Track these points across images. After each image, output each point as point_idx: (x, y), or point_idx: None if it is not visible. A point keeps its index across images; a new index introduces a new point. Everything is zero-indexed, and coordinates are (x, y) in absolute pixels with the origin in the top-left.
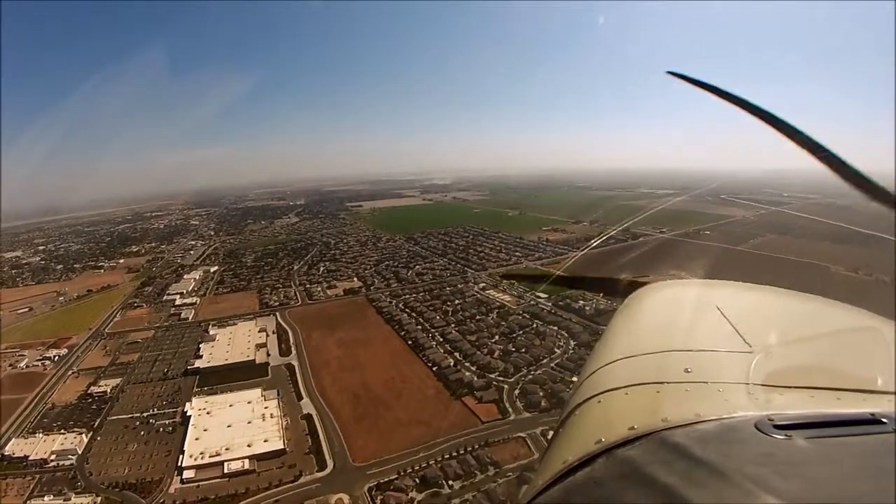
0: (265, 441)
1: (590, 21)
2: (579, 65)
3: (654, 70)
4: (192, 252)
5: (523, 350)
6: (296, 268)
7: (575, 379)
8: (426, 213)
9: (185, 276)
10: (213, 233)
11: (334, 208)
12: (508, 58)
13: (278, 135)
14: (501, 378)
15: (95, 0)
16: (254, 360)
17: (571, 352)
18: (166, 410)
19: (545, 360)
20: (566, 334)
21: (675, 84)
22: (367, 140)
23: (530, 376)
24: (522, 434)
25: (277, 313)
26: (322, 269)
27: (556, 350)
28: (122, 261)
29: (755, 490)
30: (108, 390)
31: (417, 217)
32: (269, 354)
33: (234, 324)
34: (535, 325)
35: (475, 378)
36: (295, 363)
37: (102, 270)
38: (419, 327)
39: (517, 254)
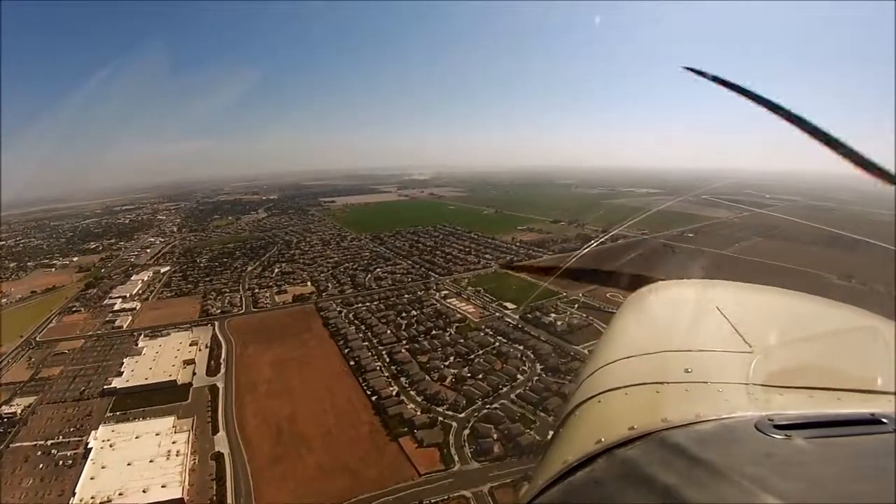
0: (163, 487)
1: (577, 19)
2: (567, 63)
3: (641, 69)
4: (148, 250)
5: (480, 376)
6: (249, 269)
7: (540, 415)
8: (399, 211)
9: (132, 278)
10: (176, 229)
11: (306, 204)
12: (497, 56)
13: (264, 129)
14: (450, 413)
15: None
16: (175, 380)
17: (536, 379)
18: (71, 439)
19: (504, 390)
20: (532, 356)
21: (663, 84)
22: (352, 135)
23: (485, 411)
24: (467, 493)
25: (217, 322)
26: (277, 271)
27: (518, 376)
28: (76, 259)
29: (755, 490)
30: (20, 411)
31: (389, 214)
32: (194, 373)
33: (168, 334)
34: (497, 344)
35: (418, 413)
36: (220, 385)
37: (54, 269)
38: (366, 344)
39: (487, 256)
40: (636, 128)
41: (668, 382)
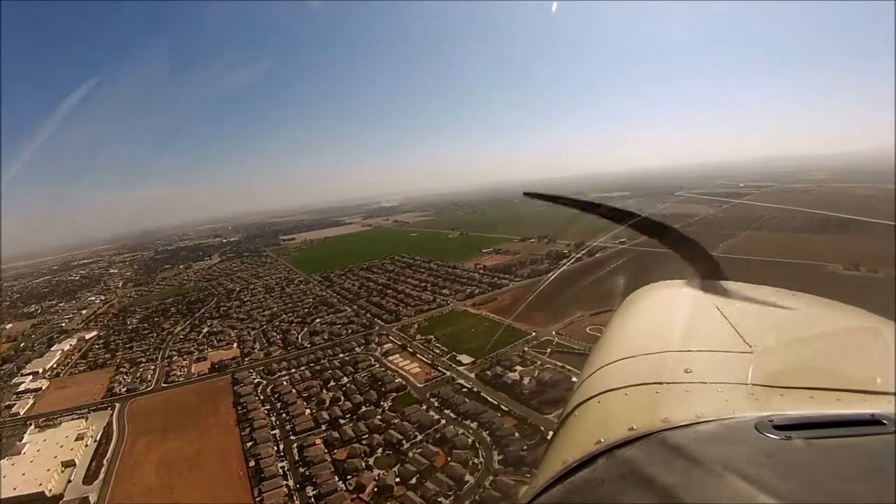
0: None
1: (547, 24)
2: (532, 75)
3: (611, 73)
4: (84, 311)
5: (412, 480)
6: (176, 330)
7: None
8: (358, 244)
9: (53, 348)
10: (121, 284)
11: (265, 243)
12: (465, 71)
13: (240, 169)
14: None
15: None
16: (44, 492)
17: (490, 481)
18: None
19: None
20: (488, 438)
21: (637, 86)
22: (325, 168)
23: None
24: None
25: (118, 405)
26: (206, 330)
27: (466, 477)
28: (9, 325)
29: (755, 491)
30: None
31: (347, 249)
32: (69, 480)
33: (58, 424)
34: (442, 423)
35: None
36: (93, 499)
37: None
38: (275, 433)
39: (444, 291)
40: (600, 132)
41: (667, 383)
